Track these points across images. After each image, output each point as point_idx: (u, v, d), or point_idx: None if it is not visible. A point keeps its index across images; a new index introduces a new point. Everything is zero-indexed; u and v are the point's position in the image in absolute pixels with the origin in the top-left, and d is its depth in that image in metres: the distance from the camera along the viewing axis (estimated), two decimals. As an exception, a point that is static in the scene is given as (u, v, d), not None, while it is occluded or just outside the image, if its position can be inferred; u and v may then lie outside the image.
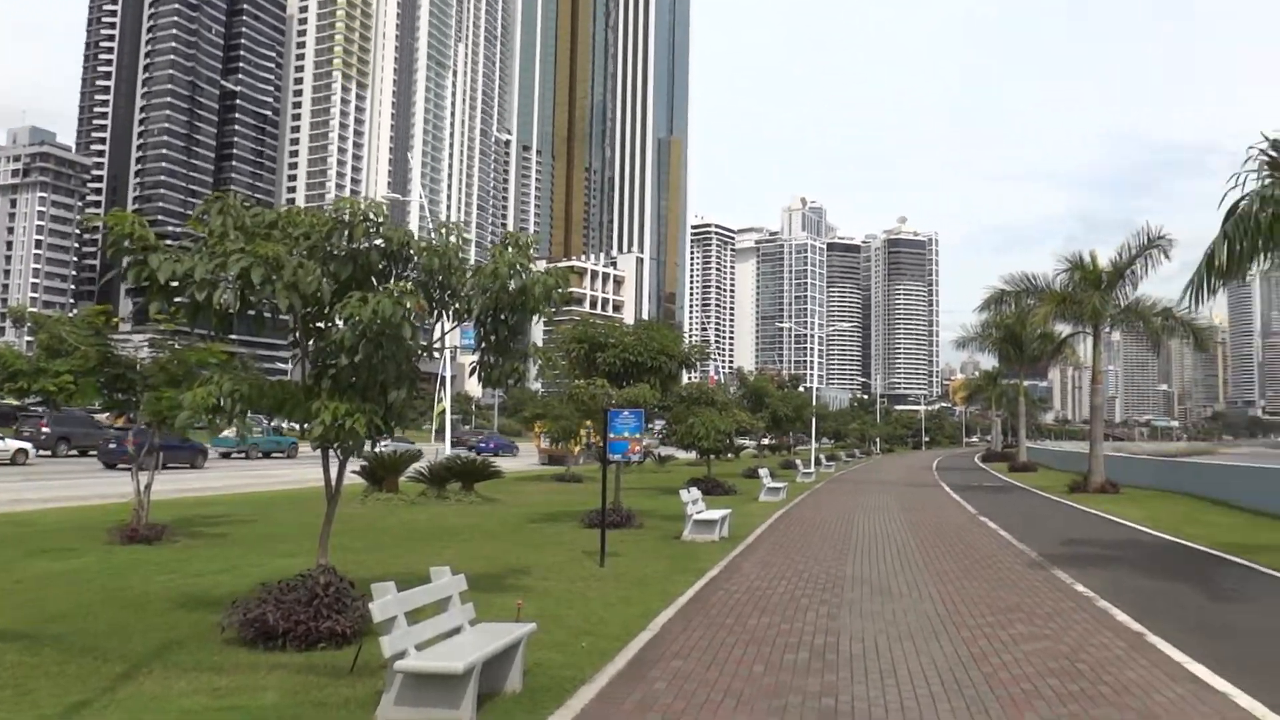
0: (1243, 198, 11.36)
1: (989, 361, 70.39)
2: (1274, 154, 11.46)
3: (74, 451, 39.77)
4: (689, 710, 6.34)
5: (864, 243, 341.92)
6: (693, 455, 33.51)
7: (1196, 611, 10.21)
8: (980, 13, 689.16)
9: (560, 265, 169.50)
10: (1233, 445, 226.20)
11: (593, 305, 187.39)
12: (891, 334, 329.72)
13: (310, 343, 8.19)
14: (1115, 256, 31.91)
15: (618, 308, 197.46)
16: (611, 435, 14.10)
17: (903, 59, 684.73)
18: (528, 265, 8.16)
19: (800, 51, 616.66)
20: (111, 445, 32.83)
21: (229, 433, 9.06)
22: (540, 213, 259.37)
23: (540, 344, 17.60)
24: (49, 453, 38.08)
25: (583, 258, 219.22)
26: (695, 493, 17.08)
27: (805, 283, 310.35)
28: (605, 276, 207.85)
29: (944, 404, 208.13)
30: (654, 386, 18.11)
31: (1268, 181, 11.36)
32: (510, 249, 8.14)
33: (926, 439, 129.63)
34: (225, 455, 42.92)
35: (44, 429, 38.68)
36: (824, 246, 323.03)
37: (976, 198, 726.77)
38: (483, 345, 8.67)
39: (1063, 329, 40.49)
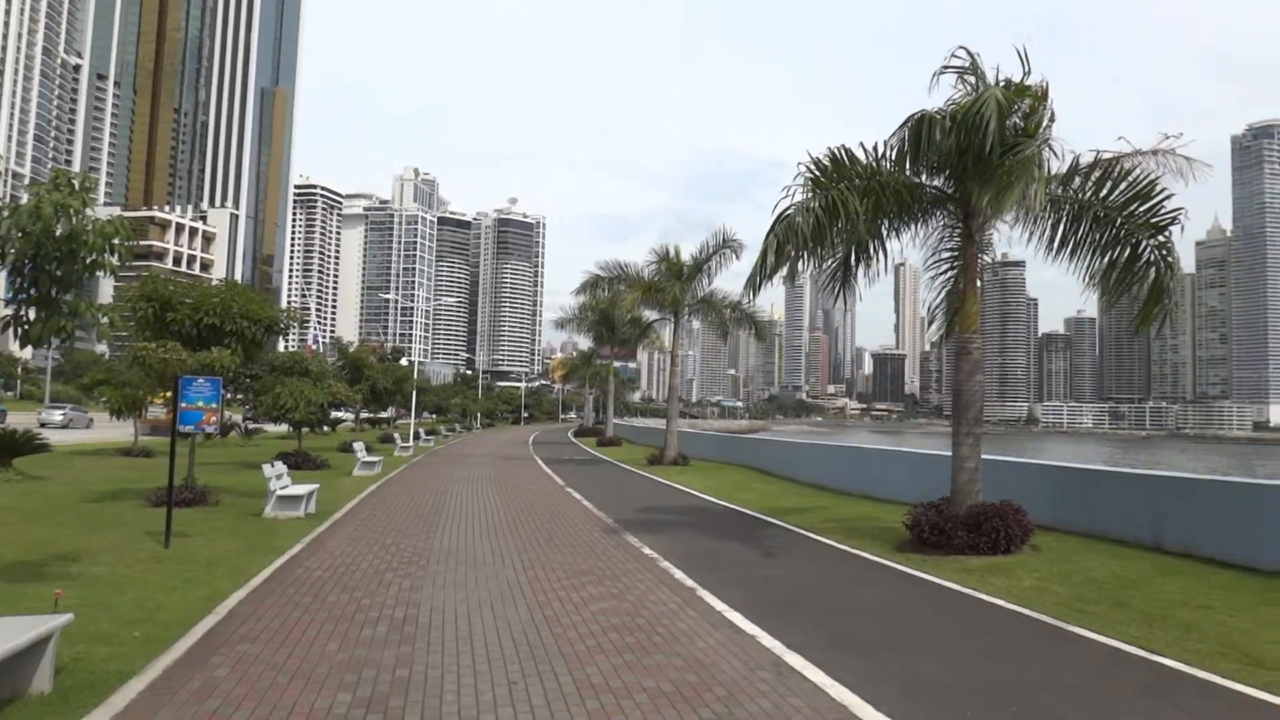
0: (790, 206, 13.12)
1: (586, 342, 74.48)
2: (816, 172, 13.35)
3: None
4: (252, 695, 6.03)
5: (475, 219, 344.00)
6: (284, 428, 31.69)
7: (740, 567, 11.63)
8: (613, 18, 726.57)
9: (135, 214, 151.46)
10: (783, 424, 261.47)
11: (176, 262, 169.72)
12: (498, 311, 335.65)
13: None
14: (696, 252, 35.35)
15: (206, 266, 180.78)
16: (184, 405, 12.91)
17: (528, 49, 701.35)
18: (81, 209, 7.16)
19: (419, 24, 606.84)
20: None
21: None
22: (116, 153, 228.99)
23: (110, 301, 15.63)
24: None
25: (166, 208, 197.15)
26: (280, 467, 16.20)
27: (415, 255, 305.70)
28: (193, 231, 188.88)
29: (544, 381, 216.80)
30: (235, 352, 16.81)
31: (810, 194, 13.20)
32: (60, 189, 7.10)
33: (526, 415, 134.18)
34: None
35: None
36: (435, 220, 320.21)
37: (588, 186, 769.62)
38: (21, 297, 7.48)
39: (650, 315, 43.91)
